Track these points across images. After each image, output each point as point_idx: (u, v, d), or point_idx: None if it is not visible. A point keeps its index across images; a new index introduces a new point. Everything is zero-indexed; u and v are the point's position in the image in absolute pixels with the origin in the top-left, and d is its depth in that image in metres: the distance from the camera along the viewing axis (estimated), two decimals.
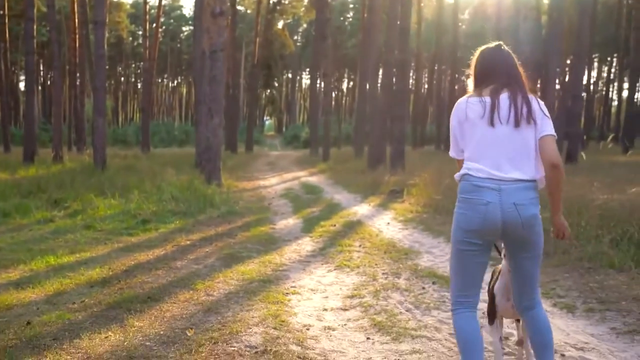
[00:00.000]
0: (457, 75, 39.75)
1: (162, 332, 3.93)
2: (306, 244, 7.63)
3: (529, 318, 3.00)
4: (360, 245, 7.37)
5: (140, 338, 3.81)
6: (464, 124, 2.88)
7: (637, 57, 34.86)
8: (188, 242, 7.58)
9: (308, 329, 4.12)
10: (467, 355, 2.83)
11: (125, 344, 3.68)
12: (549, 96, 19.36)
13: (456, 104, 2.96)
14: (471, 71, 3.01)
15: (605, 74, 64.27)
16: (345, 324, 4.27)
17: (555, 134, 2.83)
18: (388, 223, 9.33)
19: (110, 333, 3.88)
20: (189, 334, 3.88)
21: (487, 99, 2.85)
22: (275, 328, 4.08)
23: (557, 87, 27.02)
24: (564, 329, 4.18)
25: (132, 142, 43.92)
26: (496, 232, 2.80)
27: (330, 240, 7.83)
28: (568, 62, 38.02)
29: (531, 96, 2.87)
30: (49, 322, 4.11)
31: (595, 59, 62.50)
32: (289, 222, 9.58)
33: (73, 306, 4.58)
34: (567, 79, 34.40)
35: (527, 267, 2.92)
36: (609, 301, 4.79)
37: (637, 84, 40.11)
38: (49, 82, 57.93)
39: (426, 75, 53.11)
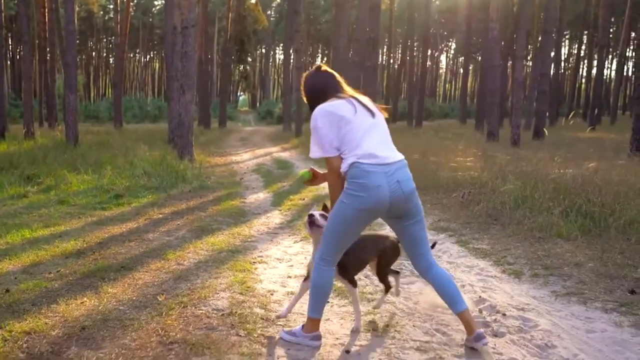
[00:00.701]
0: (429, 52, 40.06)
1: (134, 298, 4.19)
2: (275, 217, 7.91)
3: (431, 278, 3.51)
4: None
5: (114, 303, 4.06)
6: (339, 122, 3.30)
7: (605, 35, 35.52)
8: (160, 216, 7.80)
9: (272, 294, 4.42)
10: (324, 299, 3.52)
11: (100, 308, 3.94)
12: (518, 74, 19.77)
13: (320, 109, 3.38)
14: (305, 95, 3.58)
15: (575, 51, 65.14)
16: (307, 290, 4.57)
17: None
18: None
19: (85, 299, 4.13)
20: (160, 299, 4.15)
21: (351, 99, 3.39)
22: (241, 293, 4.37)
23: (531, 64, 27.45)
24: (509, 292, 4.54)
25: (104, 117, 43.50)
26: (385, 209, 3.29)
27: (298, 214, 8.12)
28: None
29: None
30: (27, 290, 4.33)
31: (567, 37, 63.29)
32: (260, 197, 9.84)
33: (49, 275, 4.80)
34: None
35: (417, 230, 3.49)
36: (552, 267, 5.17)
37: (606, 62, 40.84)
38: (18, 57, 56.90)
39: (399, 51, 53.38)
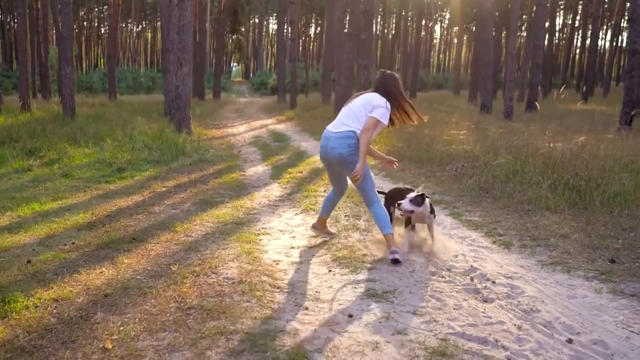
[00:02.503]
0: (424, 22, 40.01)
1: (149, 268, 4.48)
2: (275, 190, 8.19)
3: (371, 211, 5.08)
4: (325, 191, 7.95)
5: (131, 273, 4.36)
6: None
7: (599, 6, 35.55)
8: (164, 189, 8.07)
9: (277, 264, 4.72)
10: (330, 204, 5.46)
11: (119, 277, 4.23)
12: (511, 47, 19.94)
13: None
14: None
15: (570, 22, 65.04)
16: (310, 259, 4.87)
17: (375, 117, 4.73)
18: None
19: (104, 269, 4.42)
20: (173, 269, 4.44)
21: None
22: (248, 263, 4.67)
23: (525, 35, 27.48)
24: (499, 261, 4.85)
25: (97, 89, 43.37)
26: (327, 162, 5.08)
27: (297, 186, 8.40)
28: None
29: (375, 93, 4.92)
30: (47, 261, 4.61)
31: (561, 7, 63.10)
32: (258, 169, 10.10)
33: (65, 247, 5.08)
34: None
35: (361, 184, 4.93)
36: (540, 238, 5.49)
37: (601, 33, 40.90)
38: (8, 27, 56.31)
39: (393, 21, 53.15)
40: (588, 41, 48.64)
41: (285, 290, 4.08)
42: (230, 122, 21.74)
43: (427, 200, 5.01)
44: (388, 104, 4.83)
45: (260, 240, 5.45)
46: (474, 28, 53.39)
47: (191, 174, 9.45)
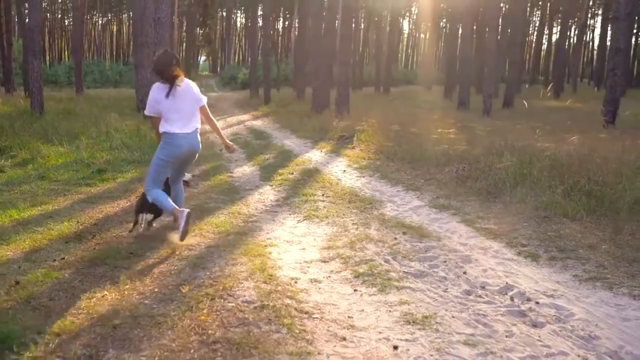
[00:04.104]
0: (389, 17, 39.83)
1: (156, 290, 4.00)
2: (268, 193, 7.74)
3: (175, 189, 5.63)
4: (323, 195, 7.54)
5: (137, 296, 3.87)
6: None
7: (568, 3, 35.84)
8: None
9: (296, 282, 4.28)
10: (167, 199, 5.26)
11: (124, 303, 3.74)
12: (490, 44, 19.74)
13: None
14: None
15: (536, 19, 65.68)
16: (329, 276, 4.45)
17: (205, 104, 5.32)
18: (344, 171, 9.51)
19: (105, 292, 3.92)
20: (183, 291, 3.97)
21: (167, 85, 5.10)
22: (265, 282, 4.22)
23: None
24: (532, 276, 4.50)
25: (63, 82, 41.93)
26: (182, 159, 5.34)
27: (291, 189, 7.96)
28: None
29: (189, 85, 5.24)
30: (38, 282, 4.10)
31: (529, 3, 63.57)
32: (246, 170, 9.63)
33: (55, 264, 4.56)
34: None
35: (184, 169, 5.65)
36: (567, 249, 5.17)
37: (568, 31, 41.30)
38: None
39: (362, 15, 52.79)
40: (554, 37, 49.22)
41: (315, 316, 3.66)
42: None
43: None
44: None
45: (270, 253, 5.00)
46: (447, 24, 53.48)
47: None
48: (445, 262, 4.83)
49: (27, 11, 24.18)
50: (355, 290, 4.17)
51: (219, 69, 70.12)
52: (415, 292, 4.13)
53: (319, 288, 4.19)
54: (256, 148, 12.50)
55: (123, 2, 65.10)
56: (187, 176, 6.01)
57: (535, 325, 3.63)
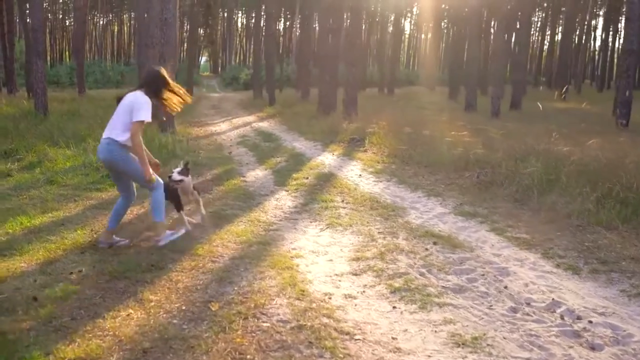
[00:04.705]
0: (392, 17, 39.63)
1: (184, 308, 3.75)
2: (285, 199, 7.49)
3: (120, 201, 5.36)
4: (342, 201, 7.29)
5: (164, 315, 3.62)
6: None
7: (572, 4, 35.63)
8: None
9: (330, 298, 4.04)
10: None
11: (152, 322, 3.49)
12: (497, 44, 19.52)
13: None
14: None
15: (538, 20, 65.48)
16: (363, 291, 4.21)
17: (139, 120, 4.91)
18: (360, 175, 9.26)
19: (130, 310, 3.67)
20: (213, 309, 3.72)
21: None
22: (298, 299, 3.97)
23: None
24: (577, 292, 4.26)
25: (65, 83, 41.63)
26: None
27: (309, 195, 7.71)
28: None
29: (137, 93, 5.08)
30: (57, 298, 3.85)
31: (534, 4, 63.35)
32: (259, 174, 9.37)
33: (72, 277, 4.32)
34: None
35: (118, 179, 5.32)
36: (609, 261, 4.92)
37: (573, 33, 41.08)
38: None
39: (364, 17, 52.55)
40: (557, 37, 48.99)
41: (357, 338, 3.41)
42: (210, 119, 20.85)
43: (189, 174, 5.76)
44: (149, 100, 5.03)
45: (297, 265, 4.75)
46: (449, 25, 53.29)
47: None
48: (483, 275, 4.59)
49: (27, 11, 23.88)
50: (394, 307, 3.92)
51: (220, 69, 69.85)
52: (459, 310, 3.88)
53: (355, 305, 3.94)
54: (266, 151, 12.25)
55: (124, 2, 64.71)
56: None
57: (593, 347, 3.39)
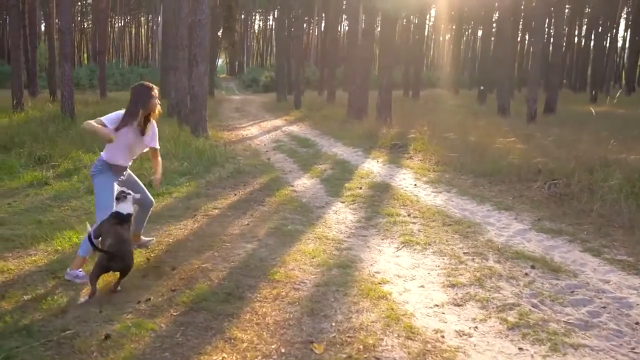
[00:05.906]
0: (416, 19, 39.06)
1: (283, 350, 3.22)
2: (344, 212, 6.95)
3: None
4: (409, 215, 6.74)
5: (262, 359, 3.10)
6: None
7: (606, 7, 34.88)
8: (217, 211, 6.80)
9: (442, 337, 3.50)
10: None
11: None
12: (535, 46, 18.88)
13: None
14: None
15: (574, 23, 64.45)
16: (476, 327, 3.66)
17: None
18: (415, 185, 8.70)
19: (223, 354, 3.15)
20: (317, 352, 3.20)
21: None
22: (408, 338, 3.43)
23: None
24: None
25: (85, 85, 41.37)
26: None
27: (369, 208, 7.16)
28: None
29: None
30: (132, 336, 3.34)
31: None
32: (306, 183, 8.85)
33: (141, 307, 3.81)
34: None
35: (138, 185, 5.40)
36: None
37: (609, 34, 40.26)
38: None
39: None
40: (583, 42, 48.15)
41: None
42: (237, 122, 20.39)
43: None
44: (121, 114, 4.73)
45: (390, 294, 4.20)
46: (473, 26, 52.55)
47: (236, 189, 8.18)
48: (604, 307, 4.02)
49: (49, 13, 23.53)
50: (520, 349, 3.38)
51: (236, 71, 69.55)
52: (599, 354, 3.32)
53: (475, 345, 3.40)
54: (305, 157, 11.72)
55: (142, 4, 64.62)
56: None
57: None
